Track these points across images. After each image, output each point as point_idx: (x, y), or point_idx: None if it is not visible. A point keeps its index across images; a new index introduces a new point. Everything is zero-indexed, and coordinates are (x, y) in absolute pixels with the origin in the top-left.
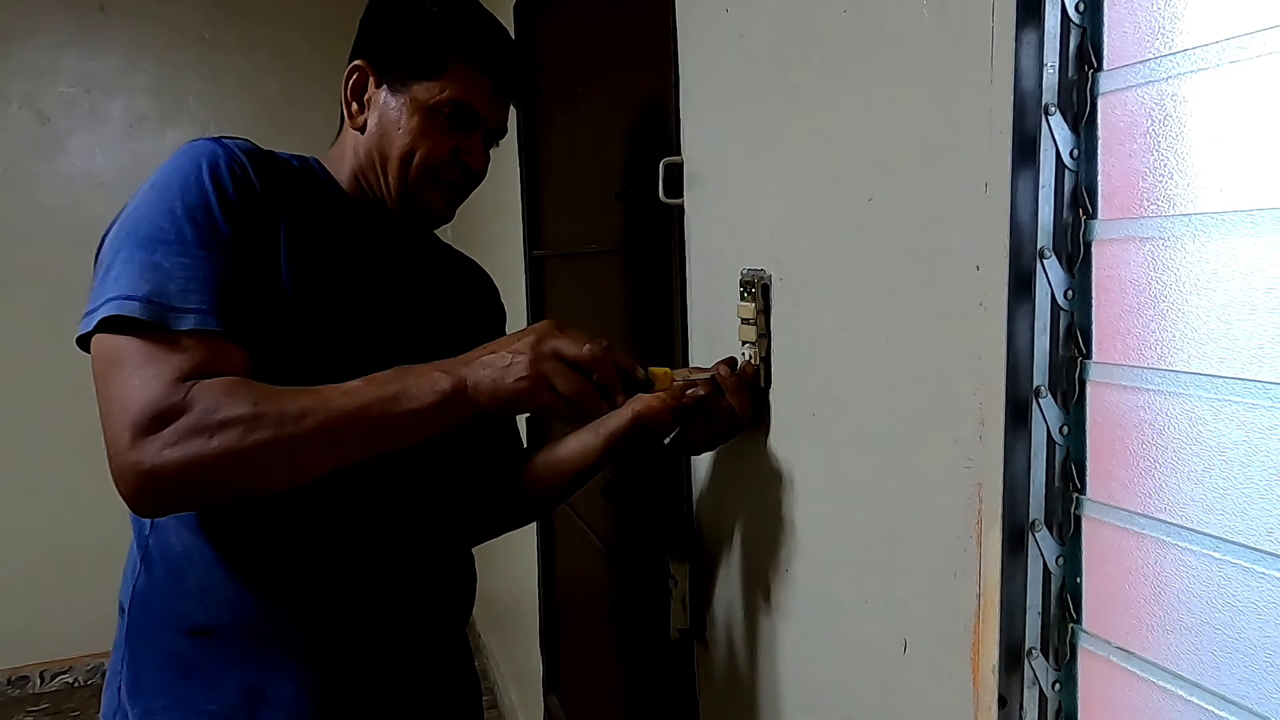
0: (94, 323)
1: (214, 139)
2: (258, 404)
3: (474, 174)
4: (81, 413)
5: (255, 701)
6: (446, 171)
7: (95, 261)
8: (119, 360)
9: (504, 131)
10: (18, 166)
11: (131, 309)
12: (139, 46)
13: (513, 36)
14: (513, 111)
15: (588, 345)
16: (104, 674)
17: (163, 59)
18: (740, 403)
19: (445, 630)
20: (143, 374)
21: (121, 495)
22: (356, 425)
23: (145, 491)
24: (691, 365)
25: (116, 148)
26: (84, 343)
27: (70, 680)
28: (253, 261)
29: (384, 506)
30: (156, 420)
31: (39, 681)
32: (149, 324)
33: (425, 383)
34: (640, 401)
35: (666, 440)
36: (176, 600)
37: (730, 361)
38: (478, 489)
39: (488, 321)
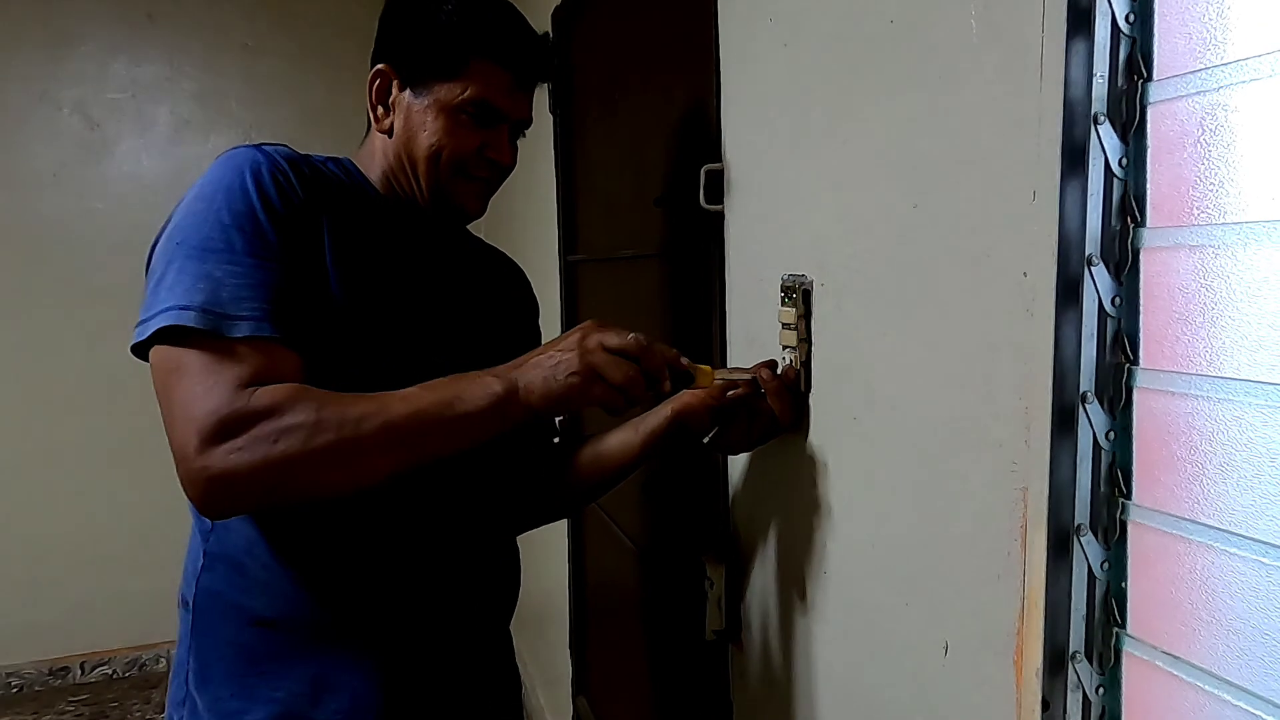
0: (149, 331)
1: (254, 146)
2: (319, 410)
3: (502, 168)
4: (125, 411)
5: (320, 690)
6: (475, 168)
7: (146, 270)
8: (179, 370)
9: (529, 121)
10: (67, 170)
11: (187, 319)
12: (184, 53)
13: (531, 25)
14: (549, 116)
15: (631, 335)
16: (142, 666)
17: (207, 65)
18: (781, 406)
19: (494, 619)
20: (204, 382)
21: (190, 499)
22: (414, 429)
23: (213, 495)
24: (731, 366)
25: (162, 152)
26: (138, 350)
27: (109, 672)
28: (301, 266)
29: (434, 498)
30: (221, 427)
31: (80, 672)
32: (205, 333)
33: (478, 387)
34: (679, 400)
35: (705, 440)
36: (240, 594)
37: (771, 364)
38: (522, 478)
39: (522, 313)
